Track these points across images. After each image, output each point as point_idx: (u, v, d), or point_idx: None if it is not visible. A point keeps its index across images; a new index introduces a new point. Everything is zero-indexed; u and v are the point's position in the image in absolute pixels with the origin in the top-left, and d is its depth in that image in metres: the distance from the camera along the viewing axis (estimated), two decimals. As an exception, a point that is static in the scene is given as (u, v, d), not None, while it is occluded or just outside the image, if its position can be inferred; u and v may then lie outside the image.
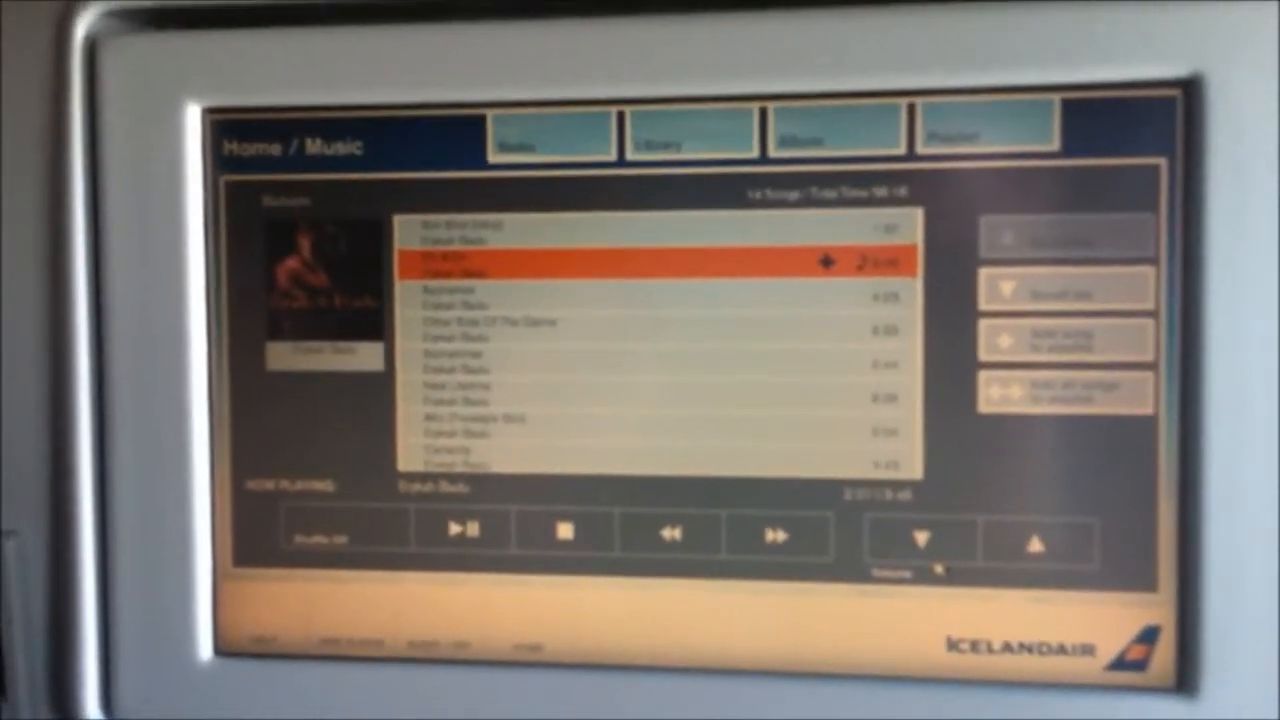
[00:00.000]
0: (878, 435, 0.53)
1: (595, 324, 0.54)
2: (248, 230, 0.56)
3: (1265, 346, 0.49)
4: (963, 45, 0.50)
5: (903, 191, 0.52)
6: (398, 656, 0.56)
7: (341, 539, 0.56)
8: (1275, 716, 0.50)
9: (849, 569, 0.53)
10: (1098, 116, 0.50)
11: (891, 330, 0.52)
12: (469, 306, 0.55)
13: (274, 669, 0.56)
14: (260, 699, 0.56)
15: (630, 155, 0.53)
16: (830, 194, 0.52)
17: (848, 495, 0.53)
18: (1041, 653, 0.52)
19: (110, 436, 0.55)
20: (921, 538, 0.53)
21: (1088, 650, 0.52)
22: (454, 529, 0.55)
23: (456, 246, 0.55)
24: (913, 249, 0.52)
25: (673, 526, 0.54)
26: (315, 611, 0.56)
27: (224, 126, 0.55)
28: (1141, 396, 0.51)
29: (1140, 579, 0.51)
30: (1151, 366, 0.51)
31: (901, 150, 0.52)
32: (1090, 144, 0.51)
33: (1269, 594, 0.50)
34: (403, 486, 0.56)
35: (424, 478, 0.55)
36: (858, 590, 0.53)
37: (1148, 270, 0.51)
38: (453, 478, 0.55)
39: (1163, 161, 0.50)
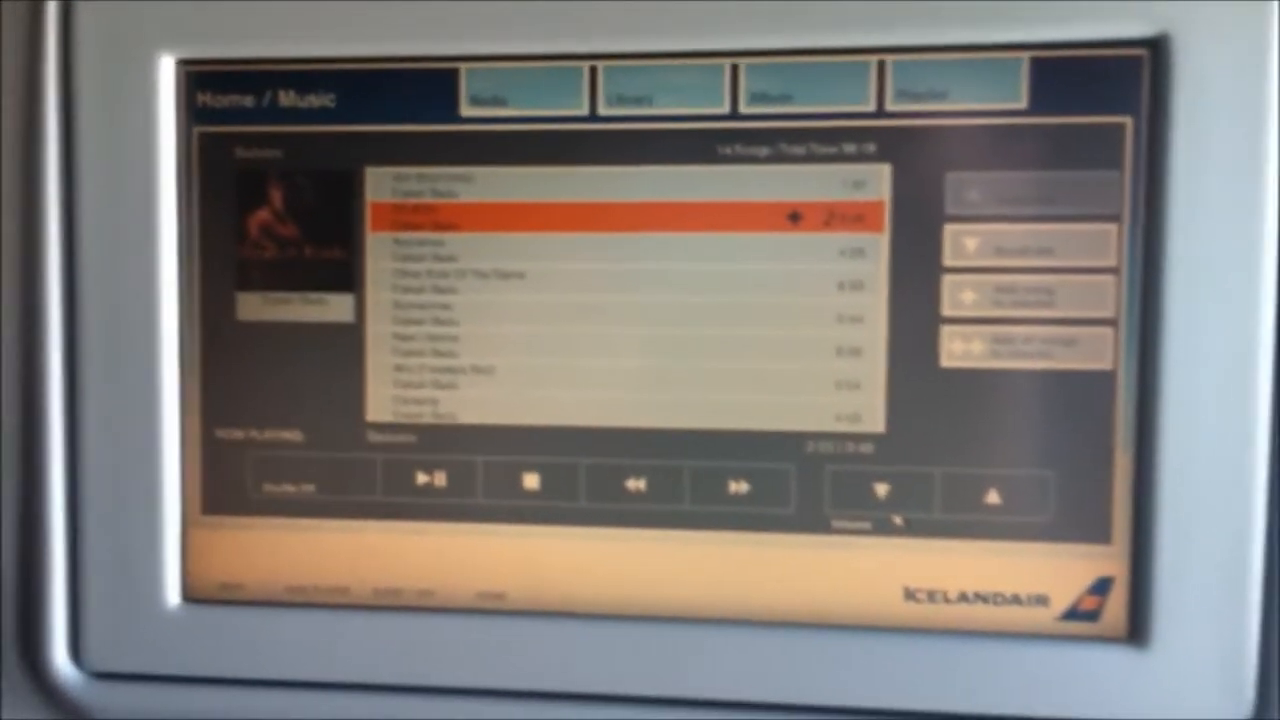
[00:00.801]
0: (841, 389, 0.53)
1: (564, 277, 0.54)
2: (220, 181, 0.56)
3: (1223, 305, 0.50)
4: (932, 3, 0.51)
5: (871, 148, 0.52)
6: (363, 604, 0.56)
7: (309, 488, 0.56)
8: (1223, 666, 0.51)
9: (810, 520, 0.54)
10: (1065, 75, 0.51)
11: (857, 285, 0.53)
12: (439, 259, 0.55)
13: (241, 615, 0.57)
14: (227, 645, 0.56)
15: (602, 110, 0.54)
16: (799, 150, 0.53)
17: (810, 448, 0.54)
18: (996, 603, 0.53)
19: (80, 385, 0.56)
20: (881, 490, 0.53)
21: (1042, 600, 0.53)
22: (421, 479, 0.56)
23: (427, 199, 0.55)
24: (880, 205, 0.53)
25: (637, 478, 0.55)
26: (282, 559, 0.57)
27: (197, 78, 0.56)
28: (1101, 352, 0.52)
29: (1094, 531, 0.52)
30: (1111, 323, 0.52)
31: (870, 107, 0.52)
32: (1058, 102, 0.51)
33: (1220, 547, 0.51)
34: (371, 437, 0.56)
35: (392, 428, 0.56)
36: (818, 541, 0.54)
37: (1110, 228, 0.51)
38: (421, 428, 0.56)
39: (1128, 120, 0.51)
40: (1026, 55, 0.51)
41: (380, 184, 0.55)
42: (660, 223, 0.54)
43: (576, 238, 0.54)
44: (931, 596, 0.53)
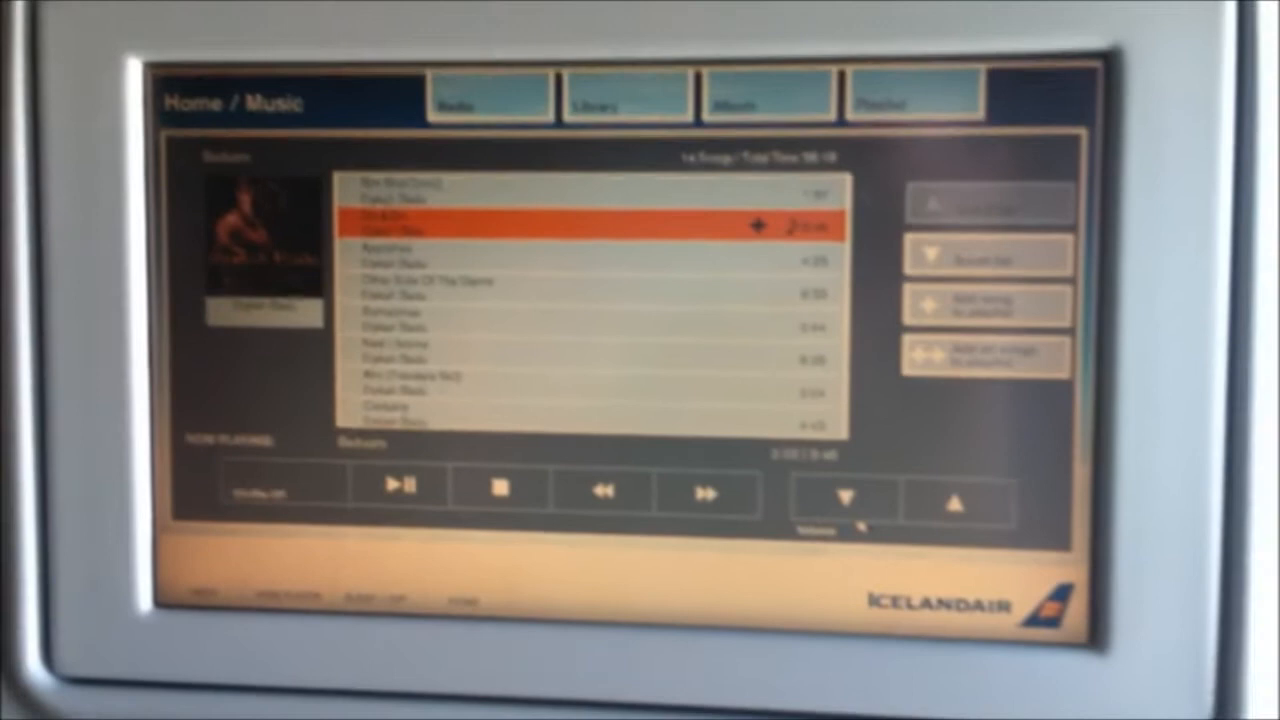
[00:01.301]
0: (805, 396, 0.53)
1: (531, 284, 0.54)
2: (188, 186, 0.56)
3: (1178, 314, 0.50)
4: (892, 14, 0.51)
5: (832, 157, 0.52)
6: (335, 609, 0.57)
7: (280, 494, 0.57)
8: (1183, 669, 0.51)
9: (775, 527, 0.54)
10: (1022, 87, 0.51)
11: (820, 294, 0.53)
12: (407, 265, 0.55)
13: (213, 621, 0.57)
14: (200, 650, 0.57)
15: (568, 117, 0.54)
16: (762, 159, 0.53)
17: (775, 455, 0.54)
18: (959, 609, 0.53)
19: (50, 391, 0.56)
20: (846, 496, 0.54)
21: (1004, 607, 0.53)
22: (391, 485, 0.56)
23: (396, 205, 0.55)
24: (841, 214, 0.53)
25: (605, 484, 0.55)
26: (254, 564, 0.57)
27: (165, 81, 0.55)
28: (1059, 361, 0.52)
29: (1055, 538, 0.52)
30: (1069, 332, 0.52)
31: (831, 117, 0.52)
32: (1014, 113, 0.51)
33: (1177, 552, 0.51)
34: (341, 442, 0.56)
35: (362, 434, 0.56)
36: (783, 547, 0.54)
37: (1066, 238, 0.51)
38: (390, 434, 0.56)
39: (1084, 132, 0.51)
40: (983, 66, 0.51)
41: (348, 189, 0.55)
42: (625, 230, 0.54)
43: (543, 244, 0.54)
44: (895, 602, 0.54)
